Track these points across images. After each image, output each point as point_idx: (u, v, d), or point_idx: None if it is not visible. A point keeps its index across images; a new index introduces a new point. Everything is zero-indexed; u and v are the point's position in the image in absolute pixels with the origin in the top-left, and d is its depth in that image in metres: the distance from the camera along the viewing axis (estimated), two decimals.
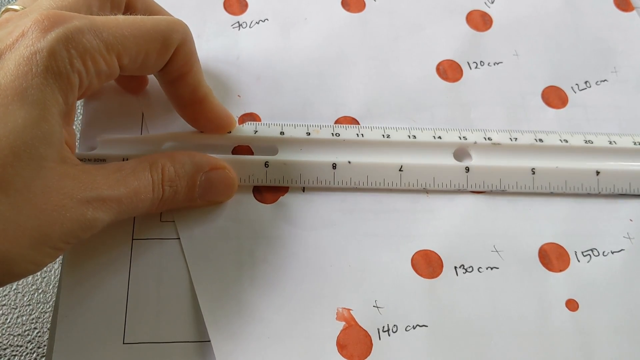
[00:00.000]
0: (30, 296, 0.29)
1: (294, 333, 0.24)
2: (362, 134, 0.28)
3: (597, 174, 0.28)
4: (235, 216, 0.26)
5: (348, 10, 0.32)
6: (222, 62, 0.30)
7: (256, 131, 0.27)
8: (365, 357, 0.24)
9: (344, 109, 0.29)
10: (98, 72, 0.22)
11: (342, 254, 0.26)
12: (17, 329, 0.28)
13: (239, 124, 0.28)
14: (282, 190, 0.27)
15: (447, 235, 0.27)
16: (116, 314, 0.24)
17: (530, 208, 0.28)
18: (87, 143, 0.27)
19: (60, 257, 0.27)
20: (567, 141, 0.29)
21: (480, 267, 0.26)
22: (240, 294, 0.25)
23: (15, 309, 0.29)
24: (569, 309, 0.26)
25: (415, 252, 0.26)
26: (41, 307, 0.29)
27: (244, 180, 0.27)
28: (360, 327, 0.24)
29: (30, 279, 0.29)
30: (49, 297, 0.29)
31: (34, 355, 0.28)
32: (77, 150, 0.27)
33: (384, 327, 0.25)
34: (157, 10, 0.27)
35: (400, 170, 0.27)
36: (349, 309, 0.25)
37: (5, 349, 0.28)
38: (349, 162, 0.27)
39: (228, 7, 0.32)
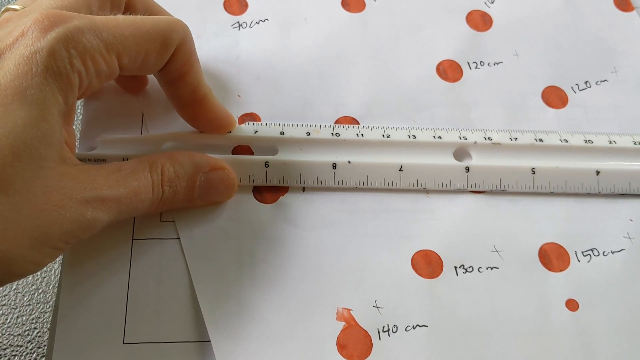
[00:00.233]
0: (30, 296, 0.29)
1: (294, 333, 0.24)
2: (362, 134, 0.28)
3: (597, 174, 0.28)
4: (235, 216, 0.26)
5: (348, 10, 0.32)
6: (222, 62, 0.30)
7: (256, 131, 0.27)
8: (365, 357, 0.24)
9: (344, 109, 0.29)
10: (98, 72, 0.22)
11: (342, 254, 0.26)
12: (17, 329, 0.28)
13: (239, 124, 0.28)
14: (282, 190, 0.27)
15: (447, 235, 0.27)
16: (116, 314, 0.24)
17: (530, 208, 0.28)
18: (87, 143, 0.27)
19: (60, 257, 0.27)
20: (567, 141, 0.29)
21: (480, 267, 0.26)
22: (240, 294, 0.25)
23: (15, 309, 0.29)
24: (569, 309, 0.25)
25: (415, 252, 0.26)
26: (41, 307, 0.29)
27: (244, 180, 0.27)
28: (360, 327, 0.24)
29: (30, 279, 0.29)
30: (49, 297, 0.29)
31: (34, 355, 0.28)
32: (77, 150, 0.27)
33: (384, 327, 0.25)
34: (157, 10, 0.27)
35: (400, 170, 0.27)
36: (349, 309, 0.25)
37: (5, 349, 0.28)
38: (349, 162, 0.27)
39: (228, 7, 0.32)
